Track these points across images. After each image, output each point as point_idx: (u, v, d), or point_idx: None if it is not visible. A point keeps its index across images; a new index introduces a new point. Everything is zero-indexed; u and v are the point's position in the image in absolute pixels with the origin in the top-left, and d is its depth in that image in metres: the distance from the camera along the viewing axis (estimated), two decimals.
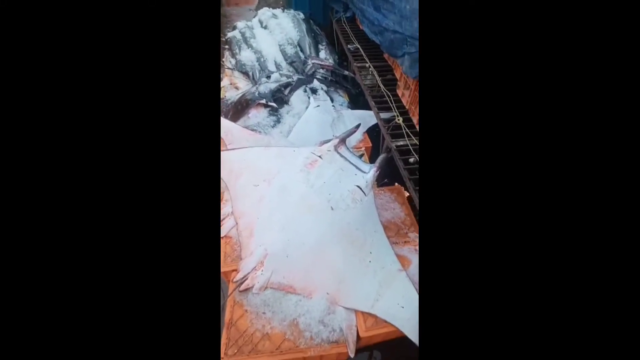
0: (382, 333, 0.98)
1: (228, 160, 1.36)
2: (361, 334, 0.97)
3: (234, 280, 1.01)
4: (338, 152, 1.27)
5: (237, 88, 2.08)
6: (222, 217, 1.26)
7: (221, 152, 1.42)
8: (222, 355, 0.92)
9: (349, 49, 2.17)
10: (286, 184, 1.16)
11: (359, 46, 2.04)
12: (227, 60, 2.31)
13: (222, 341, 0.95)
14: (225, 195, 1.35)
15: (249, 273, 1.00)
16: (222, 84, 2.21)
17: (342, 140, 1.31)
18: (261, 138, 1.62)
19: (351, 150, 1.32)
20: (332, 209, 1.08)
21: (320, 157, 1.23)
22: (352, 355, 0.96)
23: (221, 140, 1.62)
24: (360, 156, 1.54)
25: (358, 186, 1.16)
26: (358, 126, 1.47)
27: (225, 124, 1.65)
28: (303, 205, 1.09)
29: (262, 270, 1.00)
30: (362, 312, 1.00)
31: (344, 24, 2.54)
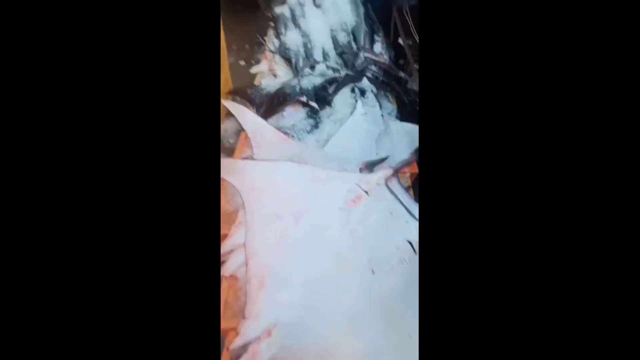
0: None
1: (250, 172, 1.13)
2: None
3: (230, 347, 0.79)
4: (388, 188, 0.99)
5: (275, 76, 1.81)
6: (230, 248, 1.03)
7: (244, 161, 1.19)
8: None
9: (408, 44, 1.81)
10: (318, 224, 0.91)
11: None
12: (270, 41, 2.02)
13: None
14: (239, 216, 1.12)
15: (250, 343, 0.78)
16: (259, 68, 1.95)
17: (396, 172, 1.02)
18: (294, 145, 1.37)
19: (405, 186, 1.04)
20: (372, 272, 0.83)
21: (366, 192, 0.96)
22: None
23: (247, 141, 1.39)
24: (407, 189, 1.25)
25: (409, 242, 0.89)
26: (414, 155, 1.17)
27: (255, 121, 1.41)
28: (336, 259, 0.85)
29: (267, 342, 0.78)
30: None
31: (405, 14, 2.16)
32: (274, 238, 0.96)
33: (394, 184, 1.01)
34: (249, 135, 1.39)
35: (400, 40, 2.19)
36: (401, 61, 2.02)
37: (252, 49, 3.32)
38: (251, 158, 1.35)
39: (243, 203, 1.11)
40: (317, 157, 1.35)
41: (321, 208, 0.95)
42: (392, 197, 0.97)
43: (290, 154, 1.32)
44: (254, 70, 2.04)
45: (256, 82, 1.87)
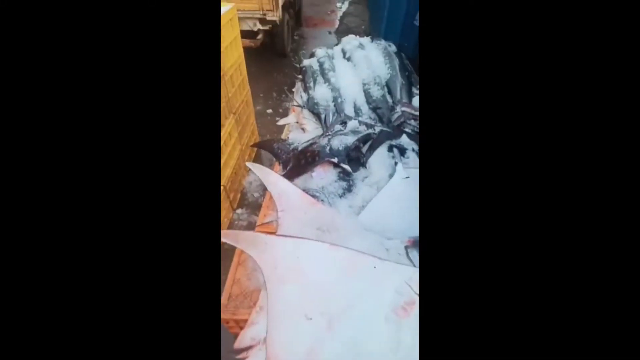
0: None
1: (274, 248, 0.95)
2: None
3: None
4: None
5: (303, 130, 1.71)
6: (249, 343, 0.83)
7: (267, 237, 1.01)
8: None
9: None
10: (358, 338, 0.69)
11: None
12: (298, 94, 1.96)
13: None
14: (261, 297, 0.92)
15: None
16: (287, 120, 1.87)
17: None
18: (324, 211, 1.19)
19: None
20: None
21: (418, 294, 0.74)
22: None
23: (272, 202, 1.23)
24: None
25: None
26: None
27: (281, 183, 1.26)
28: None
29: None
30: None
31: None
32: (301, 346, 0.75)
33: None
34: (274, 197, 1.24)
35: None
36: None
37: (280, 97, 3.38)
38: (276, 222, 1.19)
39: (265, 283, 0.92)
40: (351, 226, 1.15)
41: (362, 313, 0.74)
42: None
43: (320, 221, 1.14)
44: (281, 122, 1.96)
45: (283, 136, 1.78)
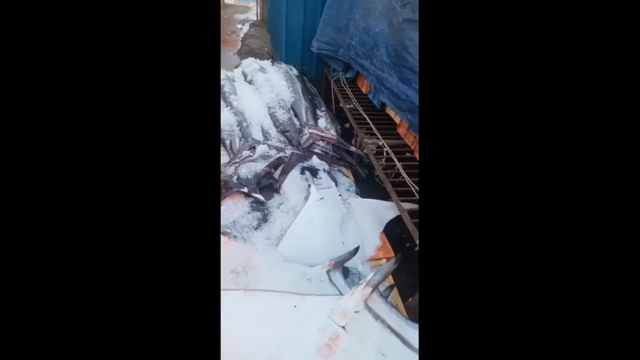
0: None
1: None
2: None
3: None
4: (371, 311, 0.76)
5: None
6: None
7: None
8: None
9: (348, 108, 1.79)
10: None
11: (365, 116, 1.64)
12: None
13: None
14: None
15: None
16: None
17: (376, 285, 0.81)
18: (238, 248, 1.08)
19: (390, 301, 0.82)
20: None
21: (344, 327, 0.71)
22: None
23: None
24: (391, 289, 1.04)
25: None
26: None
27: None
28: None
29: None
30: None
31: (344, 85, 2.20)
32: None
33: (377, 303, 0.78)
34: None
35: (340, 104, 2.19)
36: (347, 124, 1.98)
37: None
38: None
39: None
40: (270, 261, 1.07)
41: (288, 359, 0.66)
42: (379, 325, 0.74)
43: (234, 262, 1.02)
44: None
45: None
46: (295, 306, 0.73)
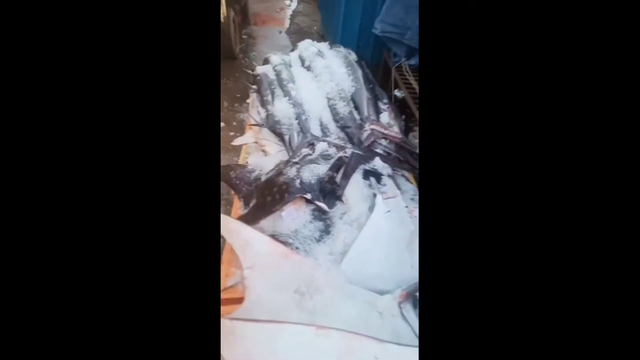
0: None
1: (244, 338, 0.74)
2: None
3: None
4: None
5: (264, 152, 1.49)
6: None
7: (231, 322, 0.80)
8: None
9: (413, 100, 1.59)
10: None
11: None
12: (254, 108, 1.72)
13: None
14: None
15: None
16: (244, 140, 1.62)
17: None
18: (300, 263, 1.00)
19: None
20: None
21: None
22: None
23: (234, 258, 1.01)
24: None
25: None
26: None
27: (244, 232, 1.04)
28: None
29: None
30: None
31: (406, 73, 1.98)
32: None
33: None
34: (237, 251, 1.02)
35: (397, 93, 1.99)
36: (410, 123, 1.79)
37: (232, 108, 3.03)
38: (242, 285, 0.97)
39: None
40: (335, 283, 0.98)
41: None
42: None
43: (298, 279, 0.95)
44: (237, 142, 1.70)
45: (241, 160, 1.53)
46: (376, 358, 0.64)
